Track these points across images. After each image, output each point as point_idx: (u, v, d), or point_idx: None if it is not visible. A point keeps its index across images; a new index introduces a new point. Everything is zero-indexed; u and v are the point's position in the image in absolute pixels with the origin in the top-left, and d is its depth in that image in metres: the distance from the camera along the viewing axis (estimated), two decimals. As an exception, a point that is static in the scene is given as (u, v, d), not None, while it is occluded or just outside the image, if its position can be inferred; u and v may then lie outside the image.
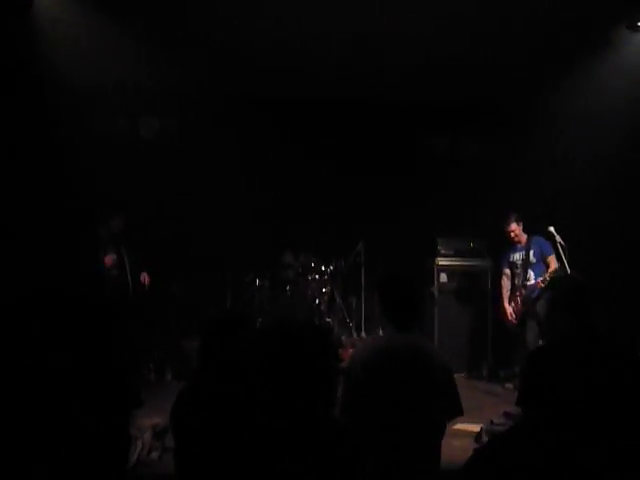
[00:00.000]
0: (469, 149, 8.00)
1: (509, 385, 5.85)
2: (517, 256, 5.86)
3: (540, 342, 6.39)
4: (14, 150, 5.52)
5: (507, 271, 5.95)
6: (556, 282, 4.05)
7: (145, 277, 6.00)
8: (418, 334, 2.86)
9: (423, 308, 6.44)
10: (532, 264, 5.73)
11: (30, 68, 5.45)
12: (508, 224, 5.81)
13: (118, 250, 5.94)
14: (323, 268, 6.98)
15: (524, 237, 5.83)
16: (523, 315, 5.71)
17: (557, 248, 5.35)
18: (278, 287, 7.07)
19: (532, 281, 5.68)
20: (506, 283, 5.95)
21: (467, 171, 7.54)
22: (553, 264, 5.61)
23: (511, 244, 5.89)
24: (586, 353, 2.44)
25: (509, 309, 5.84)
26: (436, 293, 6.76)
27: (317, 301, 6.85)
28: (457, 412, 2.71)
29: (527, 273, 5.73)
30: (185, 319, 6.33)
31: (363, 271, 7.14)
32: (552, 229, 5.44)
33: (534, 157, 7.20)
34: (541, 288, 5.43)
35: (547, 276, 5.41)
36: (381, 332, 6.99)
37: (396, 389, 2.69)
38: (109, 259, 5.87)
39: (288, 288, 7.01)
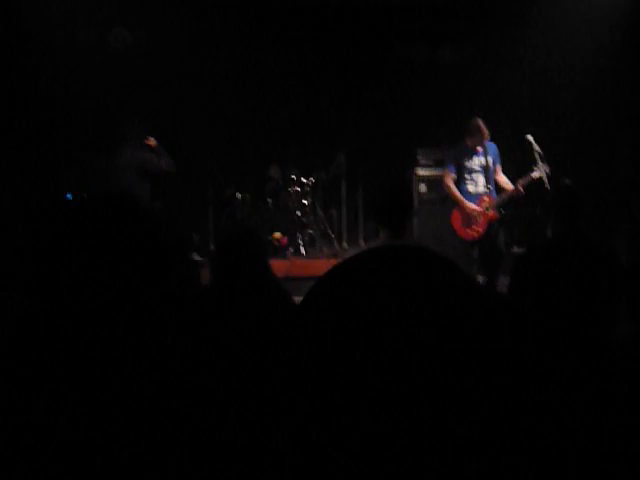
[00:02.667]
0: (449, 56, 7.85)
1: None
2: (475, 161, 5.57)
3: (515, 248, 6.61)
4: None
5: (454, 176, 5.59)
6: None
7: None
8: (411, 241, 2.96)
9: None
10: (490, 170, 5.56)
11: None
12: (484, 130, 5.46)
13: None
14: (304, 180, 6.98)
15: None
16: (489, 223, 5.52)
17: (535, 158, 5.37)
18: (259, 200, 7.10)
19: (490, 187, 5.55)
20: (454, 186, 5.60)
21: (447, 79, 7.45)
22: (500, 172, 5.63)
23: (467, 150, 5.58)
24: (571, 255, 2.55)
25: (478, 208, 5.52)
26: (416, 203, 6.79)
27: (298, 213, 6.90)
28: None
29: (489, 179, 5.56)
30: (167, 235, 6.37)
31: (344, 183, 7.17)
32: (530, 137, 5.44)
33: (515, 63, 7.13)
34: (520, 194, 5.47)
35: (524, 182, 5.42)
36: (363, 244, 7.18)
37: None
38: (151, 140, 5.56)
39: (270, 201, 7.04)
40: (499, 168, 5.68)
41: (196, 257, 6.16)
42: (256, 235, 2.75)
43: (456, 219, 5.69)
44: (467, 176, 5.62)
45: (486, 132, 5.51)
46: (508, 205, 5.74)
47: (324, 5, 7.17)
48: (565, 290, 2.46)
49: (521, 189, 5.43)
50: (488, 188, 5.59)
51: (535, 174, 5.33)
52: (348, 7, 7.25)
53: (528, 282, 2.59)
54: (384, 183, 3.03)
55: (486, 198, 5.59)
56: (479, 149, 5.60)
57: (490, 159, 5.59)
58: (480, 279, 5.71)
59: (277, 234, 6.75)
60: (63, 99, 6.23)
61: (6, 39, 5.78)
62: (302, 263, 6.15)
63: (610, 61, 6.59)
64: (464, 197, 5.60)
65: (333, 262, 6.00)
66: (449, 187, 5.68)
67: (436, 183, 6.85)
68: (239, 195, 7.02)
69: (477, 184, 5.63)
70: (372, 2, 7.18)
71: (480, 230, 5.58)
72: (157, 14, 6.65)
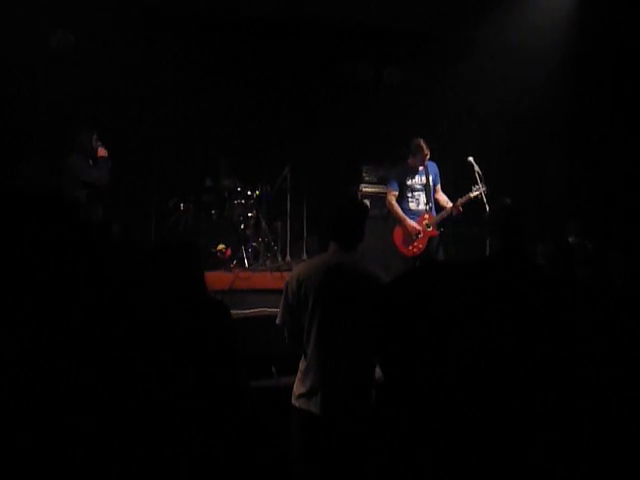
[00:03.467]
0: (395, 76, 8.05)
1: None
2: (417, 179, 5.76)
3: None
4: None
5: (396, 194, 5.75)
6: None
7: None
8: (359, 254, 3.00)
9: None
10: (430, 189, 5.74)
11: None
12: (425, 150, 5.65)
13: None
14: (249, 193, 6.98)
15: None
16: (429, 240, 5.70)
17: (475, 178, 5.58)
18: (203, 211, 7.04)
19: (430, 205, 5.72)
20: (397, 204, 5.76)
21: (391, 98, 7.64)
22: (439, 192, 5.84)
23: (409, 169, 5.77)
24: (513, 272, 2.63)
25: (419, 226, 5.68)
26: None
27: (243, 226, 6.88)
28: None
29: (430, 198, 5.74)
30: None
31: (289, 197, 7.20)
32: (472, 159, 5.66)
33: (457, 86, 7.38)
34: (459, 212, 5.66)
35: (463, 201, 5.60)
36: (306, 257, 7.22)
37: (329, 304, 2.85)
38: (102, 150, 5.60)
39: (213, 212, 6.99)
40: (439, 187, 5.88)
41: None
42: (197, 247, 2.73)
43: (397, 236, 5.83)
44: (409, 194, 5.78)
45: (427, 152, 5.69)
46: (447, 223, 5.93)
47: (272, 22, 7.25)
48: (501, 303, 2.56)
49: (460, 207, 5.62)
50: (429, 206, 5.77)
51: (473, 193, 5.55)
52: (296, 24, 7.36)
53: (465, 296, 2.68)
54: (339, 197, 3.09)
55: (427, 216, 5.76)
56: (420, 168, 5.78)
57: (431, 178, 5.78)
58: None
59: (221, 246, 6.70)
60: (4, 103, 6.04)
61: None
62: (246, 275, 6.12)
63: (547, 90, 6.93)
64: (406, 214, 5.75)
65: (277, 275, 6.01)
66: (392, 205, 5.82)
67: (379, 200, 6.97)
68: (182, 205, 6.95)
69: (418, 202, 5.80)
70: (320, 21, 7.31)
71: (420, 247, 5.73)
72: (98, 19, 6.54)
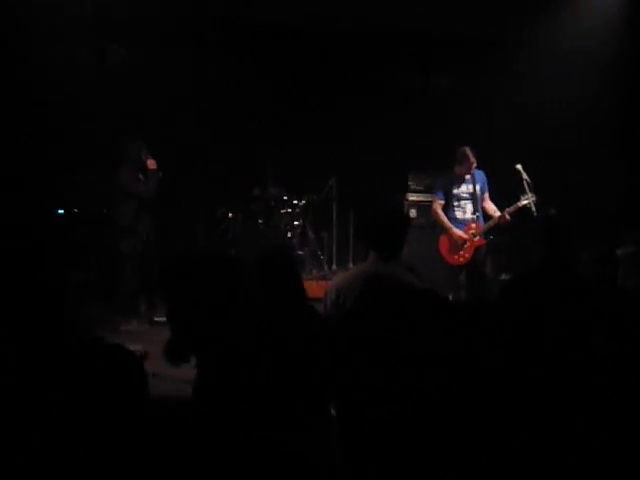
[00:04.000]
0: (442, 84, 7.97)
1: None
2: (464, 188, 5.67)
3: (503, 275, 6.65)
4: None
5: (442, 202, 5.69)
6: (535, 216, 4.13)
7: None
8: (401, 264, 2.97)
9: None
10: (477, 198, 5.64)
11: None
12: (472, 159, 5.56)
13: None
14: (295, 202, 7.04)
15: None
16: (476, 249, 5.58)
17: (524, 187, 5.45)
18: (250, 220, 7.13)
19: (477, 214, 5.62)
20: (442, 213, 5.69)
21: (439, 106, 7.56)
22: (487, 200, 5.71)
23: (455, 178, 5.68)
24: (556, 284, 2.59)
25: (465, 235, 5.59)
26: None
27: (289, 234, 6.95)
28: None
29: (477, 207, 5.63)
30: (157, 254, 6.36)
31: (335, 205, 7.22)
32: (520, 167, 5.53)
33: (506, 93, 7.25)
34: (507, 222, 5.54)
35: (512, 210, 5.48)
36: (352, 266, 7.21)
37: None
38: (151, 162, 5.68)
39: (260, 221, 7.08)
40: (487, 195, 5.77)
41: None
42: (292, 254, 2.68)
43: (443, 245, 5.75)
44: (455, 203, 5.70)
45: (474, 160, 5.60)
46: (495, 232, 5.81)
47: (319, 29, 7.29)
48: (549, 314, 2.51)
49: (508, 217, 5.50)
50: (476, 215, 5.67)
51: (522, 202, 5.42)
52: (343, 31, 7.37)
53: (514, 306, 2.64)
54: (379, 206, 3.07)
55: (473, 225, 5.66)
56: (467, 177, 5.69)
57: (478, 187, 5.68)
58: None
59: (267, 255, 6.75)
60: (59, 115, 6.27)
61: (5, 52, 5.86)
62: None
63: (600, 92, 6.72)
64: (452, 223, 5.67)
65: (322, 284, 6.02)
66: (437, 213, 5.75)
67: (426, 208, 6.89)
68: (230, 214, 7.06)
69: (465, 211, 5.70)
70: (369, 28, 7.30)
71: (467, 256, 5.64)
72: (150, 35, 6.73)
